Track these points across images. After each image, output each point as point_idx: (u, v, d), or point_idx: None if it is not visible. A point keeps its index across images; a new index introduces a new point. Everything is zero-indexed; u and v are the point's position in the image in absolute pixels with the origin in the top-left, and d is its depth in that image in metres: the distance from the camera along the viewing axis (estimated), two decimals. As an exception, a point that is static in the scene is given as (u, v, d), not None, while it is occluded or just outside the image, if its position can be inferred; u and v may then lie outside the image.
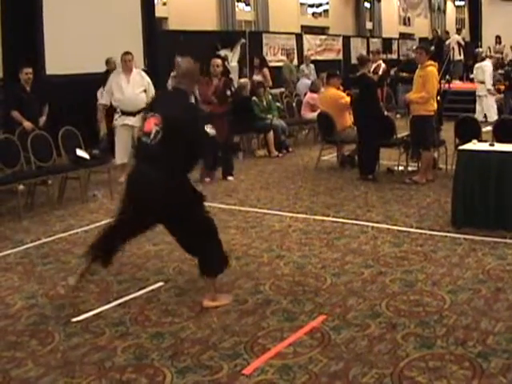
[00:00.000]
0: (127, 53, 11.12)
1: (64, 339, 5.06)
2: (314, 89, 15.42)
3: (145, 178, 5.32)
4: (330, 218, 8.38)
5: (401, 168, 11.09)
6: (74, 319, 5.42)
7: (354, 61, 25.55)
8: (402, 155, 11.02)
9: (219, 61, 11.14)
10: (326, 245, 7.25)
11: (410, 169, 11.06)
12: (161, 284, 6.17)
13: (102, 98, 11.49)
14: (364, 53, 15.40)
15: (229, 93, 10.95)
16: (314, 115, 13.65)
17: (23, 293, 6.11)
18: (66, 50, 13.04)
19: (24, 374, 4.53)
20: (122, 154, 11.00)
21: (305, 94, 16.17)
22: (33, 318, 5.49)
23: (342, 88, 12.67)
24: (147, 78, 11.24)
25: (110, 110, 11.47)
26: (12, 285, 6.35)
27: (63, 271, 6.66)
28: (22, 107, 10.70)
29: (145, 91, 11.10)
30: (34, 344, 5.00)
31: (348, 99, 11.69)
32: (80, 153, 9.63)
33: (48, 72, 12.96)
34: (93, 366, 4.61)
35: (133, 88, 11.04)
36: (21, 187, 9.56)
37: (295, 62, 21.00)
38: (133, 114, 10.96)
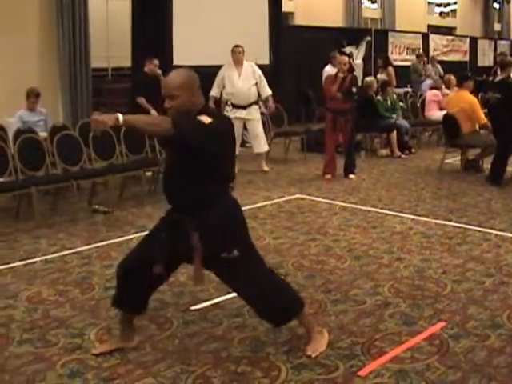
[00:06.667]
0: (238, 45, 11.26)
1: (182, 326, 5.13)
2: (434, 86, 15.29)
3: None
4: (452, 223, 8.18)
5: (527, 175, 10.74)
6: (193, 307, 5.49)
7: (480, 63, 25.10)
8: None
9: (346, 58, 11.06)
10: (448, 250, 7.09)
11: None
12: (280, 278, 6.17)
13: (212, 89, 11.45)
14: (505, 55, 15.01)
15: (354, 90, 10.86)
16: (440, 114, 13.24)
17: (144, 278, 6.23)
18: (192, 42, 13.30)
19: (142, 357, 4.60)
20: None
21: (427, 95, 15.93)
22: (152, 304, 5.53)
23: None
24: (259, 72, 11.32)
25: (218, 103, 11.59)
26: (133, 269, 6.48)
27: (183, 259, 6.76)
28: (148, 95, 10.96)
29: (256, 84, 11.21)
30: (153, 329, 5.09)
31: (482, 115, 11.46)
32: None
33: (175, 63, 13.22)
34: (209, 354, 4.64)
35: (244, 81, 11.15)
36: (148, 173, 9.79)
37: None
38: (244, 107, 11.12)
